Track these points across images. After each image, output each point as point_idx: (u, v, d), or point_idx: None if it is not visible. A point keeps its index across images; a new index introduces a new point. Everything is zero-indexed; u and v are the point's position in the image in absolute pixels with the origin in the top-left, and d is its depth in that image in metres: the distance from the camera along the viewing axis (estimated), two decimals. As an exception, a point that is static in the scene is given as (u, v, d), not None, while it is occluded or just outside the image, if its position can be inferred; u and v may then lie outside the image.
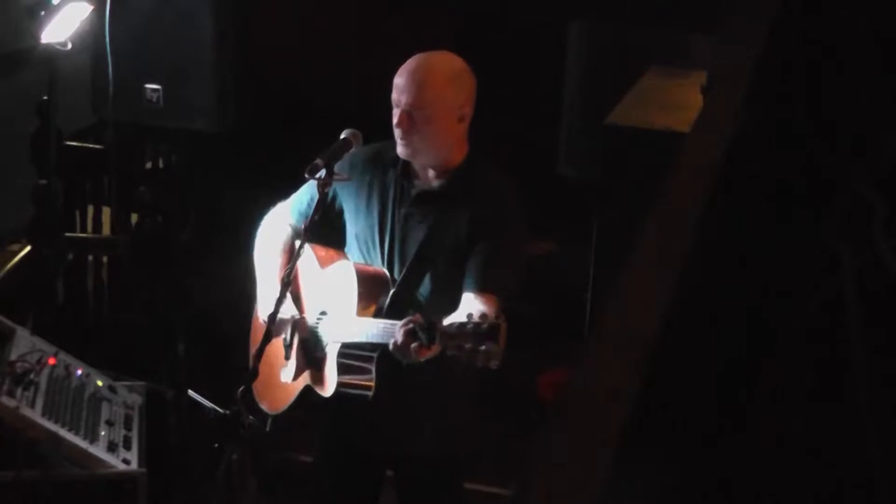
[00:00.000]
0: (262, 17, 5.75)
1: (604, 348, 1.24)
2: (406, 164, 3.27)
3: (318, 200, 3.15)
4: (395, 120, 3.18)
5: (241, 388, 3.05)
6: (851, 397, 1.23)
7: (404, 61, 3.27)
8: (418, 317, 2.94)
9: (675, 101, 4.19)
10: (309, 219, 3.21)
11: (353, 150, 3.27)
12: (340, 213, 3.36)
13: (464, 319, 2.89)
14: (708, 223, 1.31)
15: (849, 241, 1.27)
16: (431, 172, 3.26)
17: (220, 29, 5.09)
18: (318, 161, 3.11)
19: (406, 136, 3.17)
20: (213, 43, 5.05)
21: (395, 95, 3.20)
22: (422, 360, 2.96)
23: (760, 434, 1.25)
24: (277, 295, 3.19)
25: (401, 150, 3.19)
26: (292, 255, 3.33)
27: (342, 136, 3.21)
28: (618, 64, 4.92)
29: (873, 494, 1.19)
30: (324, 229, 3.38)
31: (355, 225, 3.32)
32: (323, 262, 3.34)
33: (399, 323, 2.97)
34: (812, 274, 1.30)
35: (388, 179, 3.29)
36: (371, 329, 3.11)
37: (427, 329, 2.90)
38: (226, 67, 5.14)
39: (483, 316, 2.88)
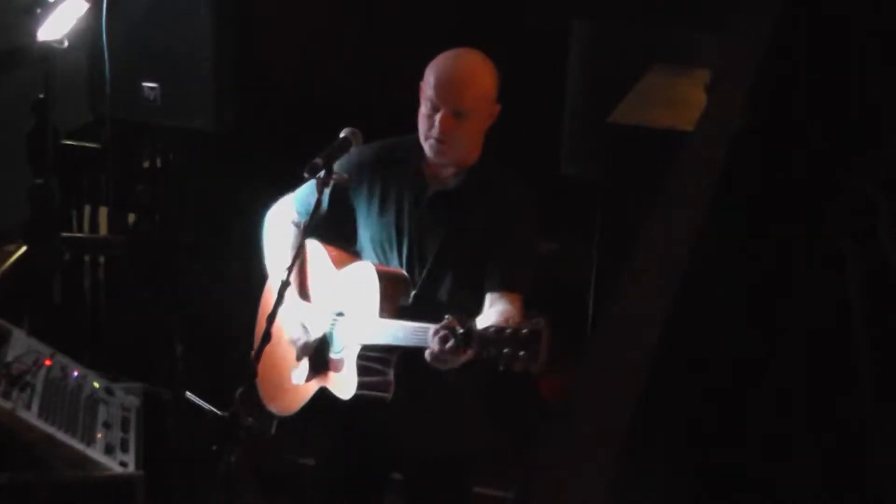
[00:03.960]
0: (261, 15, 5.74)
1: (606, 349, 1.24)
2: (421, 164, 3.22)
3: (318, 200, 3.12)
4: (433, 120, 3.10)
5: (239, 390, 3.02)
6: (855, 397, 1.22)
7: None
8: (453, 320, 2.88)
9: (679, 100, 4.17)
10: (308, 218, 3.17)
11: (357, 148, 3.22)
12: (351, 211, 3.29)
13: (502, 324, 2.85)
14: (711, 222, 1.30)
15: (853, 239, 1.26)
16: (450, 171, 3.21)
17: (218, 26, 5.06)
18: (318, 160, 3.08)
19: (448, 137, 3.11)
20: (212, 41, 5.02)
21: (435, 97, 3.11)
22: (458, 364, 2.91)
23: (761, 434, 1.24)
24: (279, 297, 3.16)
25: (436, 152, 3.13)
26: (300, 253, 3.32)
27: (341, 135, 3.18)
28: (620, 62, 4.89)
29: (875, 495, 1.18)
30: (333, 227, 3.34)
31: (369, 226, 3.26)
32: (337, 263, 3.28)
33: (431, 327, 2.91)
34: (816, 272, 1.30)
35: (402, 180, 3.23)
36: (398, 332, 3.04)
37: (463, 334, 2.85)
38: (225, 66, 5.11)
39: (522, 321, 2.83)
